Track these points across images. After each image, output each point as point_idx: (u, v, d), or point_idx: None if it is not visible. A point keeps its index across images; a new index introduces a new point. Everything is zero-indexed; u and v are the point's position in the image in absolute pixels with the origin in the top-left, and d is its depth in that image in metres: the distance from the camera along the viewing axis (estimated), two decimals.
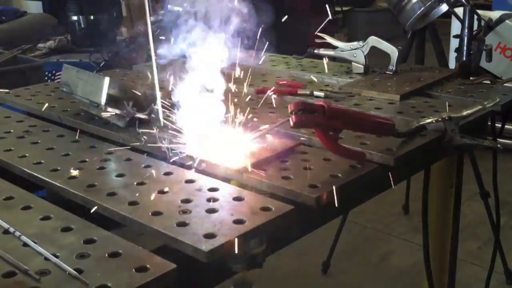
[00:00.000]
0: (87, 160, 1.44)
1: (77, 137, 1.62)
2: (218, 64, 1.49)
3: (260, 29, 1.61)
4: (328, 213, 1.39)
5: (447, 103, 1.77)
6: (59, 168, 1.39)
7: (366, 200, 1.52)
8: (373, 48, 2.20)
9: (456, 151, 2.02)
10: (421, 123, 1.58)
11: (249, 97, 1.81)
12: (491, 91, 1.99)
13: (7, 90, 2.09)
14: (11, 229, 1.10)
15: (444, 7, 2.43)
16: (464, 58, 2.49)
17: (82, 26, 4.26)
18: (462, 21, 2.47)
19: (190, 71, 1.49)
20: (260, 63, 2.06)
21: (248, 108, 1.60)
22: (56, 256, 1.01)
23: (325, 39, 2.26)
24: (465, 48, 2.48)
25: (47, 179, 1.34)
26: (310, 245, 3.22)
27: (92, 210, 1.20)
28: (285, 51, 2.59)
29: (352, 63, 2.24)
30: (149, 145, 1.50)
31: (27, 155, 1.49)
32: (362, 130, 1.49)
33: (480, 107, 1.66)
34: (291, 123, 1.29)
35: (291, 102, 1.33)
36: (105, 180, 1.33)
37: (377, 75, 2.18)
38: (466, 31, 2.47)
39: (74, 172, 1.36)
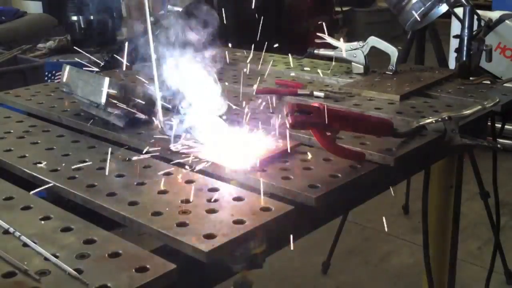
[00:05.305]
0: (87, 160, 1.44)
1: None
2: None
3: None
4: (328, 213, 1.39)
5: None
6: (59, 168, 1.39)
7: (366, 200, 1.52)
8: (373, 48, 2.19)
9: (456, 151, 2.02)
10: (421, 123, 1.58)
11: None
12: (491, 91, 1.99)
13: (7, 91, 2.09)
14: (11, 229, 1.10)
15: (444, 7, 2.43)
16: (464, 58, 2.49)
17: (82, 26, 4.27)
18: (462, 21, 2.47)
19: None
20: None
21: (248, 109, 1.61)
22: (56, 256, 1.01)
23: (325, 39, 2.26)
24: (465, 48, 2.48)
25: (47, 179, 1.34)
26: (310, 245, 3.22)
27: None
28: (285, 51, 2.58)
29: (352, 63, 2.24)
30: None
31: (27, 155, 1.49)
32: (359, 130, 1.49)
33: (480, 107, 1.65)
34: (288, 125, 1.29)
35: (287, 103, 1.33)
36: (105, 180, 1.33)
37: (377, 75, 2.18)
38: (466, 31, 2.47)
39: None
